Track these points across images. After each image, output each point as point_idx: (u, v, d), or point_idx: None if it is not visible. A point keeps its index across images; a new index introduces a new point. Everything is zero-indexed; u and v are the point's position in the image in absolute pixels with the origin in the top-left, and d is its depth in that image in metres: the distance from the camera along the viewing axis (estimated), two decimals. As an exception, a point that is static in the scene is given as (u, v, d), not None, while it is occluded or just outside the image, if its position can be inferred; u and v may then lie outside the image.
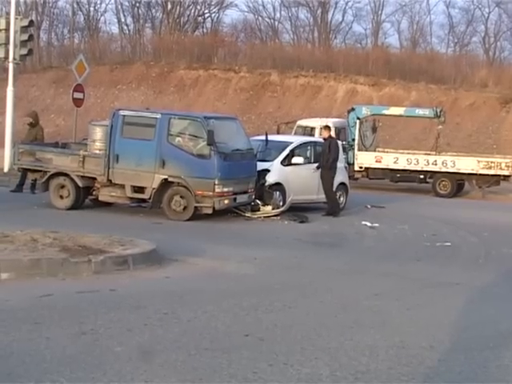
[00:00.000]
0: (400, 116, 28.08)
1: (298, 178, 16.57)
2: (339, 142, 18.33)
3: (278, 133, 24.67)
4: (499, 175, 23.90)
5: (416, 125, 33.63)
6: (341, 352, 6.16)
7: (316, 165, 16.91)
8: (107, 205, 15.75)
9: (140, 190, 15.06)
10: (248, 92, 41.91)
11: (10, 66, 22.19)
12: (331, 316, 7.57)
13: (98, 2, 54.35)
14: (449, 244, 13.59)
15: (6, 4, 43.20)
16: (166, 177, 14.80)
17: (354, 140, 24.93)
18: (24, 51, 22.04)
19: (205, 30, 53.65)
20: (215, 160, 14.61)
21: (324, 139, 17.27)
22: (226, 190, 14.78)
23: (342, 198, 18.22)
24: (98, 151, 15.48)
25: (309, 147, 18.03)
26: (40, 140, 17.99)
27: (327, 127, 18.00)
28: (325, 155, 16.73)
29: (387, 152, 26.00)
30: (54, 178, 15.66)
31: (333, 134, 24.55)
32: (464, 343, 6.81)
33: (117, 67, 45.01)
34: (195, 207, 14.72)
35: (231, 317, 7.22)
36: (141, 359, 5.68)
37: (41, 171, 15.98)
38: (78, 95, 22.19)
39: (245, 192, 15.46)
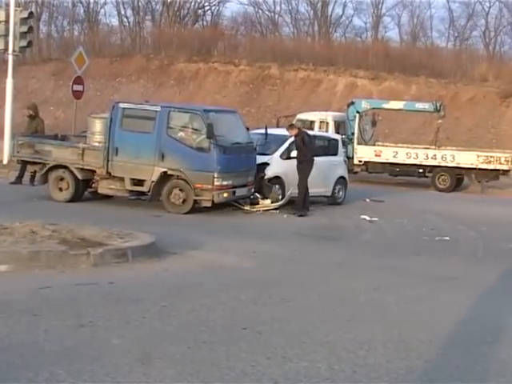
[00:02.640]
0: (400, 110, 28.07)
1: (297, 172, 16.54)
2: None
3: (278, 126, 24.65)
4: (498, 170, 23.92)
5: (416, 119, 33.61)
6: (339, 346, 6.16)
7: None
8: (106, 197, 15.75)
9: (139, 182, 15.06)
10: (248, 85, 41.87)
11: (10, 58, 22.16)
12: (329, 309, 7.58)
13: (98, -6, 54.26)
14: (448, 238, 13.60)
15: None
16: (165, 170, 14.80)
17: (353, 134, 24.95)
18: (24, 43, 22.02)
19: (205, 23, 53.68)
20: (214, 153, 14.61)
21: (294, 136, 16.35)
22: (225, 183, 14.79)
23: (341, 192, 18.24)
24: (97, 144, 15.48)
25: (308, 141, 18.01)
26: (41, 132, 17.98)
27: (291, 125, 17.23)
28: (301, 150, 16.03)
29: (387, 146, 26.02)
30: (54, 171, 15.65)
31: (332, 128, 24.75)
32: (462, 337, 6.82)
33: (116, 60, 44.95)
34: (194, 200, 14.72)
35: (229, 310, 7.22)
36: (139, 352, 5.69)
37: (40, 163, 15.97)
38: (78, 87, 22.17)
39: (244, 185, 15.46)
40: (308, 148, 16.12)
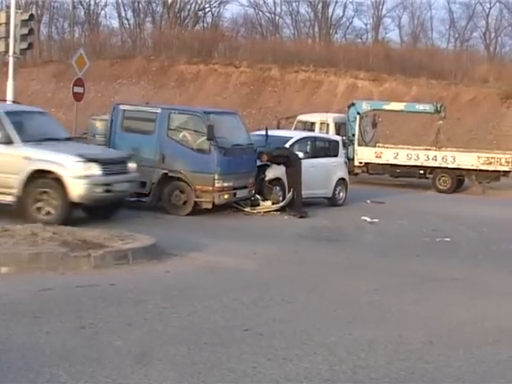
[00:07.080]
0: (400, 111, 28.07)
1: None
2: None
3: (279, 128, 24.66)
4: (499, 171, 23.93)
5: (416, 120, 33.62)
6: (340, 347, 6.17)
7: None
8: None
9: (140, 184, 15.04)
10: (248, 87, 41.90)
11: (10, 60, 22.13)
12: (330, 311, 7.58)
13: (99, -4, 54.31)
14: (448, 239, 13.60)
15: (7, -2, 43.12)
16: (165, 171, 14.80)
17: (354, 135, 24.96)
18: (24, 45, 21.97)
19: (205, 25, 53.74)
20: (215, 155, 14.62)
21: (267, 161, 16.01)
22: (225, 184, 14.79)
23: (341, 194, 18.24)
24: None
25: (309, 142, 18.06)
26: None
27: (261, 153, 15.80)
28: (286, 162, 15.95)
29: (387, 147, 26.02)
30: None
31: (332, 130, 24.73)
32: (463, 338, 6.82)
33: (117, 61, 44.98)
34: (195, 202, 14.72)
35: (231, 312, 7.23)
36: (140, 353, 5.69)
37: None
38: (78, 89, 22.16)
39: (245, 187, 15.46)
40: (289, 158, 16.00)
